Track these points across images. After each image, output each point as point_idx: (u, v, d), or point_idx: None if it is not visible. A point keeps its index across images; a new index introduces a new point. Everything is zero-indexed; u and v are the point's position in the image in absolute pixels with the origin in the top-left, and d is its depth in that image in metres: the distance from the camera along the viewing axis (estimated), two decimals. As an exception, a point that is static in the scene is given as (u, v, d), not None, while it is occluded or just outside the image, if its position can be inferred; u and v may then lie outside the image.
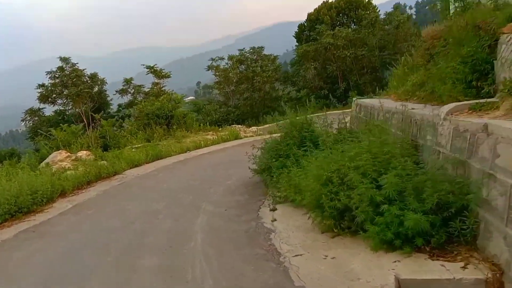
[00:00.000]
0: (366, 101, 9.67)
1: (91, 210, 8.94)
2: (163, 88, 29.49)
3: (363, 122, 9.23)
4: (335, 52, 33.46)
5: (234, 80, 37.89)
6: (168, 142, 19.66)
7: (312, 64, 35.28)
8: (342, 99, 34.44)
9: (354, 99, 11.15)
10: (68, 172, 12.12)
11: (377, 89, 35.08)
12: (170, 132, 22.15)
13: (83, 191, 10.89)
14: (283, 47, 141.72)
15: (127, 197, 9.82)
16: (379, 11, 42.83)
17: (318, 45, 34.21)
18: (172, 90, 27.63)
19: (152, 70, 30.06)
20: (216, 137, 20.20)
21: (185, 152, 16.81)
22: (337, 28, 35.96)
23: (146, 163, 14.63)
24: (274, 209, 7.16)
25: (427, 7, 33.48)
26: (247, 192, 8.78)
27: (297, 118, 9.36)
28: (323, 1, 48.90)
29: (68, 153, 15.05)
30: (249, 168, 9.43)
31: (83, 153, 15.05)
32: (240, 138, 19.96)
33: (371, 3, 46.03)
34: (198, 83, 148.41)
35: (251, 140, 19.00)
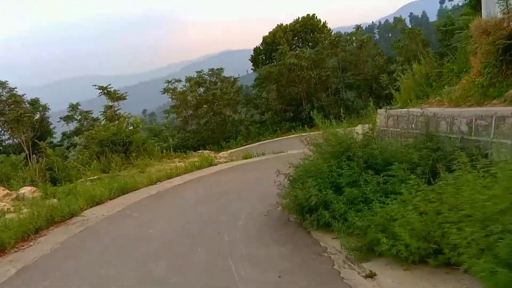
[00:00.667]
0: (413, 110, 7.72)
1: (47, 280, 5.92)
2: (118, 112, 26.32)
3: (413, 136, 7.25)
4: (299, 73, 32.21)
5: (193, 104, 35.37)
6: (129, 172, 16.67)
7: (275, 85, 33.75)
8: (306, 122, 33.08)
9: (382, 110, 9.18)
10: (8, 216, 8.98)
11: (342, 110, 34.47)
12: (129, 161, 19.14)
13: (31, 243, 7.81)
14: (232, 73, 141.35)
15: (98, 253, 6.91)
16: (332, 33, 42.93)
17: (281, 66, 32.85)
18: (129, 114, 24.59)
19: (105, 91, 26.84)
20: (185, 164, 17.54)
21: (156, 183, 14.01)
22: (299, 49, 35.02)
23: (110, 199, 11.69)
24: (372, 275, 4.50)
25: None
26: (283, 239, 6.28)
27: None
28: (278, 25, 48.52)
29: (7, 190, 11.76)
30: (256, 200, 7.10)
31: (26, 190, 11.82)
32: (215, 165, 17.44)
33: (325, 26, 46.21)
34: (144, 110, 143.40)
35: (230, 166, 16.59)
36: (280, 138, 30.58)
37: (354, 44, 33.93)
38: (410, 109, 7.88)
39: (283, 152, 20.86)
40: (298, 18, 47.40)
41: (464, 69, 9.56)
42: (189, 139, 34.64)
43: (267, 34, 47.25)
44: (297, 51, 33.82)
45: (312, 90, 34.04)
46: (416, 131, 7.26)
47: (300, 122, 32.86)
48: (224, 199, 9.79)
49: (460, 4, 28.44)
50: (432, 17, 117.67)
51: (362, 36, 33.57)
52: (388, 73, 31.10)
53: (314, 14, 47.16)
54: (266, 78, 33.85)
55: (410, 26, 39.02)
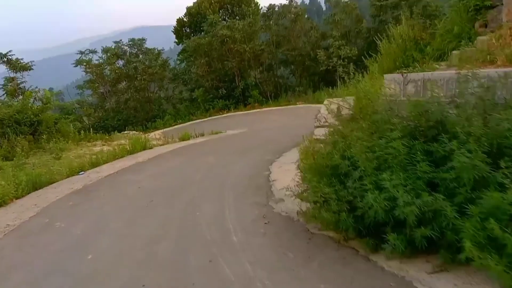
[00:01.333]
0: (448, 73, 5.94)
1: None
2: (22, 85, 21.67)
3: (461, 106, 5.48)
4: (232, 46, 29.79)
5: (111, 78, 31.23)
6: (41, 159, 13.28)
7: (206, 59, 30.97)
8: (240, 100, 31.05)
9: (393, 75, 7.35)
10: None
11: (280, 88, 33.08)
12: (39, 144, 15.49)
13: None
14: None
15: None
16: (261, 8, 40.95)
17: (212, 37, 30.09)
18: (36, 87, 20.24)
19: (4, 59, 21.84)
20: (112, 148, 14.51)
21: (79, 173, 10.99)
22: (231, 20, 32.47)
23: (17, 199, 8.60)
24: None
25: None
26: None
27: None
28: (203, -5, 45.20)
29: None
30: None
31: None
32: (150, 148, 14.66)
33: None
34: (51, 89, 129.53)
35: (170, 150, 13.98)
36: (214, 117, 28.20)
37: (287, 17, 32.24)
38: (444, 72, 6.12)
39: (222, 132, 18.73)
40: (225, -11, 44.60)
41: (469, 29, 8.13)
42: (107, 118, 30.63)
43: (192, 4, 43.82)
44: (228, 23, 31.23)
45: (246, 66, 31.89)
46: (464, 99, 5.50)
47: (234, 100, 30.72)
48: (186, 195, 7.39)
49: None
50: None
51: (296, 9, 32.00)
52: (323, 48, 30.06)
53: (241, -14, 44.69)
54: (195, 50, 30.87)
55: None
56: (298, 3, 33.16)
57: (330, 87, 29.10)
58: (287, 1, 32.14)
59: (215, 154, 11.98)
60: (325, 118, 9.26)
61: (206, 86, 31.25)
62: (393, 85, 6.91)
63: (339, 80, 29.94)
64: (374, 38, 32.07)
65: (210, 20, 31.65)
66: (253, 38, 31.51)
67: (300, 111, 24.55)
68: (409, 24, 10.02)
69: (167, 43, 55.91)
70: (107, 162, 12.32)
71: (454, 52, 7.70)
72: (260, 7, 42.32)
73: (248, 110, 28.93)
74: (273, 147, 12.51)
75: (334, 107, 7.97)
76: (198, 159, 11.30)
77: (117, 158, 12.94)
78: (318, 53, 29.02)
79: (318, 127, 8.77)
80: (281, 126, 18.69)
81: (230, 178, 7.99)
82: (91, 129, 21.41)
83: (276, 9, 32.04)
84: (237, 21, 31.54)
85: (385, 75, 7.11)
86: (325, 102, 11.33)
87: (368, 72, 12.69)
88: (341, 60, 28.31)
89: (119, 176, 10.04)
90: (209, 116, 28.69)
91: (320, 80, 31.77)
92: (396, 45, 9.89)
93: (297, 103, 27.91)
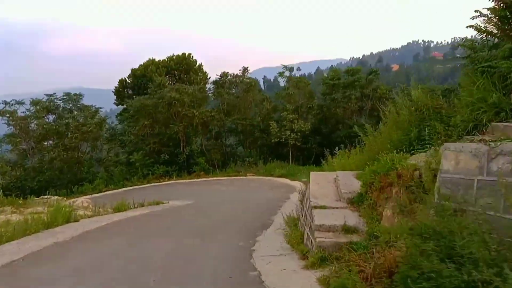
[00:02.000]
0: None
1: None
2: None
3: None
4: (180, 109, 27.80)
5: (38, 134, 27.40)
6: None
7: (150, 121, 28.50)
8: (184, 167, 28.50)
9: (459, 144, 5.42)
10: None
11: (227, 157, 31.04)
12: None
13: None
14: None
15: None
16: (209, 78, 40.33)
17: (159, 99, 27.99)
18: None
19: None
20: (24, 218, 11.10)
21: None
22: (179, 84, 30.85)
23: None
24: None
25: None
26: None
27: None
28: (150, 58, 43.76)
29: None
30: None
31: None
32: (75, 221, 11.44)
33: (201, 68, 43.25)
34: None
35: (102, 225, 10.95)
36: (153, 184, 25.13)
37: (239, 87, 31.38)
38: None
39: (164, 203, 16.04)
40: (173, 55, 43.63)
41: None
42: (26, 179, 26.25)
43: (137, 67, 42.09)
44: (177, 86, 29.55)
45: (193, 131, 29.83)
46: None
47: (177, 166, 28.05)
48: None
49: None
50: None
51: (249, 79, 31.35)
52: (275, 121, 29.07)
53: (190, 54, 44.03)
54: (139, 111, 28.40)
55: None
56: (250, 74, 32.63)
57: (282, 160, 27.74)
58: (240, 72, 31.44)
59: (166, 235, 9.25)
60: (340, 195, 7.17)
61: (147, 149, 28.41)
62: (465, 159, 4.95)
63: (292, 153, 28.89)
64: (325, 114, 32.42)
65: (158, 81, 29.81)
66: (202, 104, 29.92)
67: (252, 183, 22.48)
68: (424, 91, 8.62)
69: (106, 105, 52.82)
70: (11, 240, 8.97)
71: (497, 124, 6.12)
72: (208, 77, 41.72)
73: (192, 178, 26.32)
74: (238, 227, 10.05)
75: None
76: (143, 243, 8.43)
77: (29, 234, 9.58)
78: (270, 125, 27.85)
79: (316, 207, 6.61)
80: (236, 200, 16.35)
81: (202, 284, 5.37)
82: (1, 190, 17.43)
83: (229, 77, 31.08)
84: (186, 85, 30.02)
85: (446, 144, 5.19)
86: (313, 176, 9.37)
87: (358, 146, 11.14)
88: (294, 134, 27.30)
89: (22, 270, 6.78)
90: (148, 183, 25.58)
91: (270, 152, 30.40)
92: (409, 114, 8.32)
93: (247, 174, 25.90)
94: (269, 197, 16.49)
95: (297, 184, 17.77)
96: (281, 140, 27.94)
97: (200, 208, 14.35)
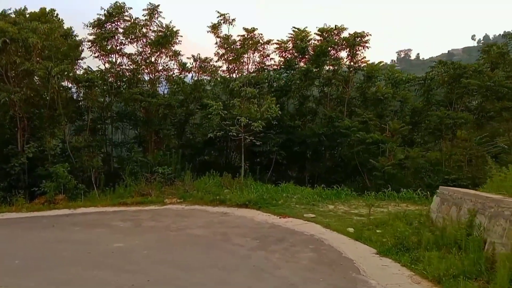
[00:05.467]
0: None
1: None
2: None
3: None
4: (18, 59, 12.97)
5: None
6: None
7: None
8: (21, 186, 13.72)
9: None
10: None
11: (113, 165, 15.96)
12: None
13: None
14: None
15: None
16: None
17: None
18: None
19: None
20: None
21: None
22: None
23: None
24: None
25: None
26: None
27: None
28: None
29: None
30: None
31: None
32: None
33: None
34: None
35: None
36: None
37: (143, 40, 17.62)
38: None
39: None
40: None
41: None
42: None
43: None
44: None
45: (46, 113, 15.06)
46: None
47: (6, 183, 13.09)
48: None
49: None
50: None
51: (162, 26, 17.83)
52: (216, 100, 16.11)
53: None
54: None
55: None
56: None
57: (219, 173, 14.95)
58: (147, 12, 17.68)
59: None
60: None
61: None
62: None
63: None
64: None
65: None
66: (71, 61, 15.40)
67: (195, 230, 9.23)
68: None
69: None
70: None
71: None
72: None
73: (38, 209, 11.85)
74: None
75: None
76: None
77: None
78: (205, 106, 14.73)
79: None
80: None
81: None
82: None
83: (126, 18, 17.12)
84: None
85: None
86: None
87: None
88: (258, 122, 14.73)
89: None
90: None
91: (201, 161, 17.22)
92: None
93: (167, 200, 12.43)
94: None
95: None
96: (218, 134, 15.15)
97: None
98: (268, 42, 18.38)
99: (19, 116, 14.05)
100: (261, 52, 18.71)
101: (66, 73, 13.90)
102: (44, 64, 13.32)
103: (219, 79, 18.74)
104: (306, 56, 19.16)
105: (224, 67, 19.05)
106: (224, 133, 15.19)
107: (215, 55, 18.89)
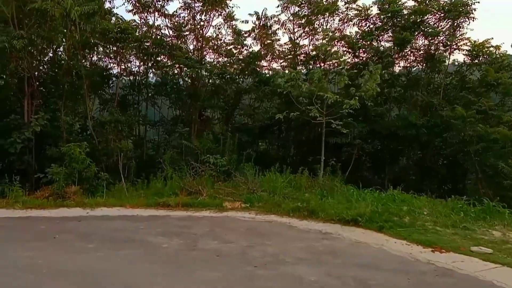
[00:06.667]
0: None
1: None
2: None
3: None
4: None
5: None
6: None
7: None
8: (23, 171, 9.97)
9: None
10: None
11: (146, 152, 11.79)
12: None
13: None
14: None
15: None
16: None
17: None
18: None
19: None
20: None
21: None
22: None
23: None
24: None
25: None
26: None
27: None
28: None
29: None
30: None
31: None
32: None
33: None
34: None
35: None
36: None
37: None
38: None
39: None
40: None
41: None
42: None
43: None
44: None
45: (60, 75, 11.31)
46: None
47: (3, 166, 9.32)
48: None
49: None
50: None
51: None
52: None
53: None
54: None
55: None
56: None
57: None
58: None
59: None
60: None
61: None
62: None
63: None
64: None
65: None
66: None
67: (285, 266, 4.85)
68: None
69: None
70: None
71: None
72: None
73: (33, 207, 7.92)
74: None
75: None
76: None
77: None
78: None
79: None
80: None
81: None
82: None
83: None
84: None
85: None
86: None
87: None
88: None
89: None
90: None
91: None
92: None
93: (225, 203, 8.40)
94: None
95: None
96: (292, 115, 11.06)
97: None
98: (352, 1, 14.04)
99: (27, 76, 10.34)
100: (341, 17, 14.50)
101: (92, 19, 10.02)
102: (60, 3, 9.49)
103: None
104: (394, 27, 14.83)
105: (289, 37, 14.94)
106: (298, 115, 11.05)
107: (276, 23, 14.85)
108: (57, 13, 9.60)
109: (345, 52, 14.13)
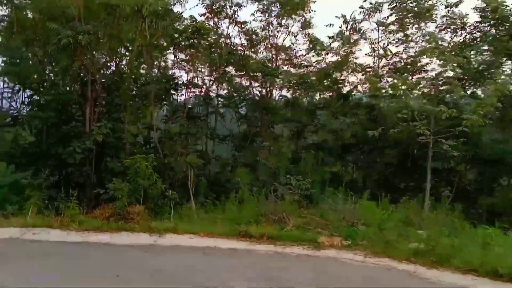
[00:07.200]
0: None
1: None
2: None
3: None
4: None
5: None
6: None
7: None
8: (82, 185, 8.78)
9: None
10: None
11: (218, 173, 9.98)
12: None
13: None
14: None
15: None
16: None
17: None
18: None
19: None
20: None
21: None
22: None
23: None
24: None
25: None
26: None
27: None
28: None
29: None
30: None
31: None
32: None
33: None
34: None
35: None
36: None
37: None
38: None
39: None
40: None
41: None
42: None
43: None
44: None
45: (128, 78, 10.31)
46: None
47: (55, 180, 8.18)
48: None
49: None
50: None
51: None
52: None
53: None
54: None
55: None
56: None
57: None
58: None
59: None
60: None
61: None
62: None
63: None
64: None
65: None
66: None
67: None
68: None
69: None
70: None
71: None
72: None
73: (91, 229, 6.57)
74: None
75: None
76: None
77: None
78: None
79: None
80: None
81: None
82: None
83: None
84: None
85: None
86: None
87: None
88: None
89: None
90: None
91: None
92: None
93: (320, 237, 6.58)
94: None
95: None
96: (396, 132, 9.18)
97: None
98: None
99: (91, 80, 9.37)
100: (438, 23, 12.58)
101: (165, 16, 8.90)
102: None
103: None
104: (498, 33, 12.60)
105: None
106: (396, 132, 9.20)
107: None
108: (128, 8, 8.56)
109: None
